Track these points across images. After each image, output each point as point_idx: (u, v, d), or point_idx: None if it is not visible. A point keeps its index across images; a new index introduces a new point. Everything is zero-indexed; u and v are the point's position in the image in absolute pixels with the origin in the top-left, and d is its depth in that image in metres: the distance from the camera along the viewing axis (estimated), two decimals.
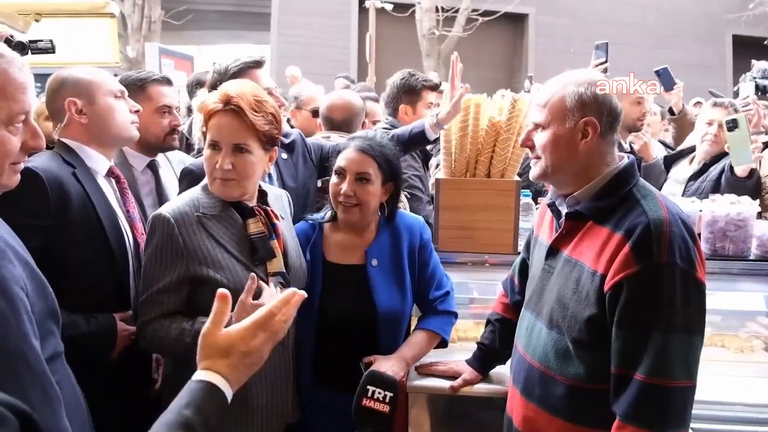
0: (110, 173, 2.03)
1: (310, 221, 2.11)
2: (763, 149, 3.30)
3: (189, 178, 2.11)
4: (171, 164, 2.52)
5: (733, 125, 2.88)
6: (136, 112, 2.08)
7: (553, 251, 1.64)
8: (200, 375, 1.12)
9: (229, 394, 1.12)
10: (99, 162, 1.99)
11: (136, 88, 2.31)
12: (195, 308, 1.78)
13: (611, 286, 1.42)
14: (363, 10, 13.10)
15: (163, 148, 2.40)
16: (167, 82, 2.40)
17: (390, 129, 3.20)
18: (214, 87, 2.19)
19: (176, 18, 12.98)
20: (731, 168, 3.03)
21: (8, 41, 2.56)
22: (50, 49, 2.72)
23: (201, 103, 1.77)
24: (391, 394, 1.73)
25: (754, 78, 3.67)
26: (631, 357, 1.41)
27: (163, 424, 1.03)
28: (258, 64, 2.34)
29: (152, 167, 2.41)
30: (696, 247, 1.44)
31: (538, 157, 1.61)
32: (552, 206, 1.68)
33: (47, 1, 3.61)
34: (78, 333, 1.78)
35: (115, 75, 2.34)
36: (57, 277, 1.71)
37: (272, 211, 1.90)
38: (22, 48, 2.59)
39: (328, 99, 3.31)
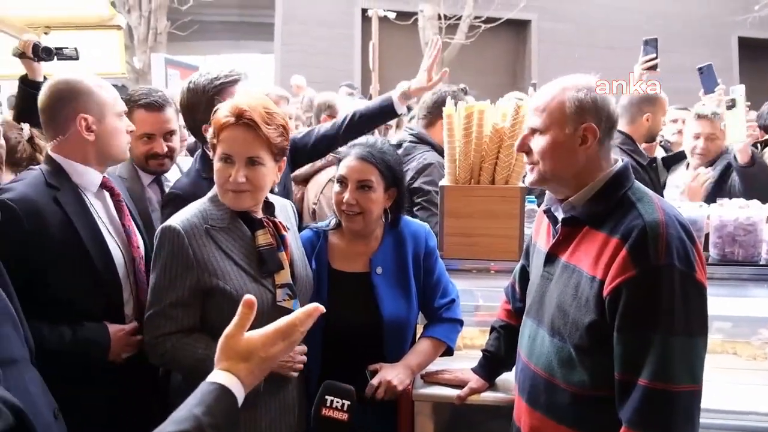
0: (103, 186, 1.99)
1: (314, 229, 2.10)
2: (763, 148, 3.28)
3: (174, 204, 2.07)
4: (181, 171, 2.54)
5: (731, 104, 2.92)
6: (129, 132, 2.04)
7: (550, 258, 1.63)
8: (217, 376, 1.13)
9: (241, 397, 1.14)
10: (91, 178, 1.94)
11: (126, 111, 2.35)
12: (203, 321, 1.79)
13: (610, 291, 1.42)
14: (366, 19, 13.14)
15: (147, 171, 2.44)
16: (156, 107, 2.38)
17: (417, 143, 3.21)
18: (187, 107, 2.19)
19: (182, 29, 13.06)
20: (735, 157, 3.06)
21: (35, 47, 2.62)
22: (75, 57, 2.78)
23: (213, 116, 1.76)
24: (349, 402, 1.74)
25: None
26: (633, 362, 1.40)
27: (173, 421, 1.04)
28: (235, 81, 2.24)
29: (158, 182, 2.45)
30: (695, 249, 1.43)
31: (534, 163, 1.59)
32: (548, 212, 1.67)
33: (56, 15, 3.65)
34: (65, 341, 1.78)
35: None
36: (45, 304, 1.75)
37: (280, 222, 1.90)
38: (48, 54, 2.65)
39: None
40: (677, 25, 14.56)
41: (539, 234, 1.78)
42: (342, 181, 1.98)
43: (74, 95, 1.88)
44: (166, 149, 2.41)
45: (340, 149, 2.25)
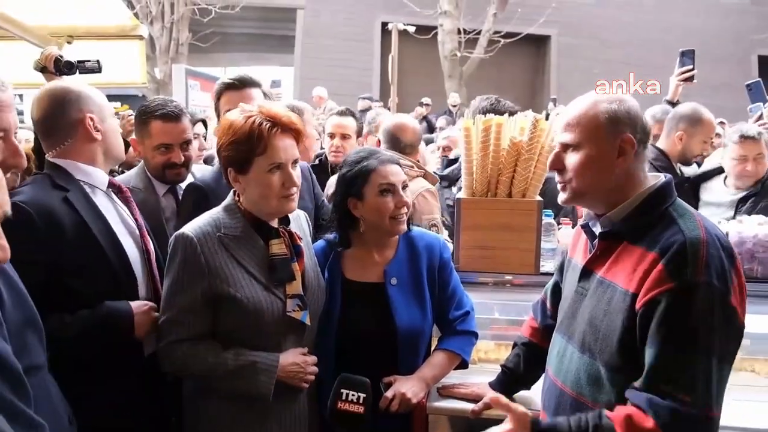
0: (110, 185, 2.01)
1: (326, 240, 2.11)
2: None
3: (195, 195, 2.16)
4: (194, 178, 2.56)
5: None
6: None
7: (586, 273, 1.60)
8: None
9: None
10: (100, 177, 1.97)
11: (141, 121, 2.42)
12: (214, 329, 1.81)
13: (643, 304, 1.38)
14: (386, 32, 13.23)
15: (165, 182, 2.46)
16: (172, 117, 2.40)
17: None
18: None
19: (203, 40, 13.25)
20: None
21: (57, 61, 2.63)
22: (97, 69, 2.79)
23: (252, 127, 1.76)
24: (364, 395, 1.76)
25: None
26: (665, 376, 1.34)
27: None
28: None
29: (173, 192, 2.48)
30: (734, 272, 1.38)
31: (567, 180, 1.55)
32: (585, 227, 1.64)
33: (79, 24, 3.72)
34: (90, 322, 1.78)
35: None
36: (62, 304, 1.75)
37: (296, 233, 1.91)
38: (70, 67, 2.66)
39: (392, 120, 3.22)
40: (697, 42, 14.43)
41: (576, 250, 1.74)
42: (389, 189, 1.96)
43: (77, 98, 1.90)
44: (182, 159, 2.44)
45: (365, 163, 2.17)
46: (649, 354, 1.37)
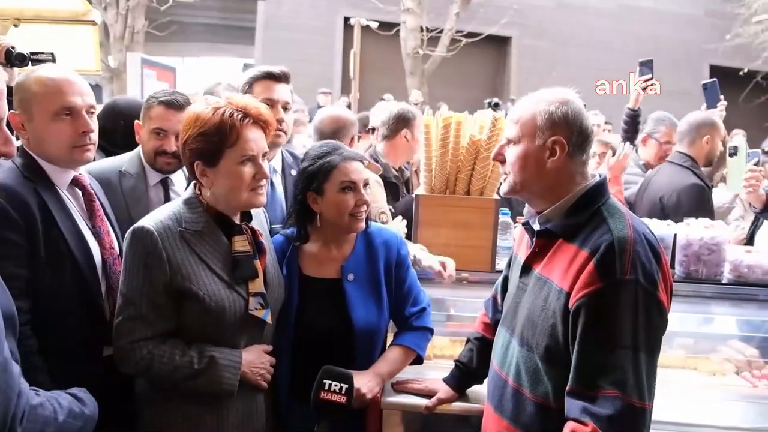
0: (75, 183, 1.93)
1: (283, 235, 2.09)
2: None
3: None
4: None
5: (734, 152, 2.93)
6: (82, 133, 1.89)
7: (526, 269, 1.66)
8: None
9: None
10: (58, 175, 1.88)
11: (147, 105, 2.38)
12: (179, 326, 1.75)
13: (573, 303, 1.44)
14: (348, 27, 13.17)
15: (155, 168, 2.39)
16: (175, 106, 2.35)
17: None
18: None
19: (160, 29, 12.92)
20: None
21: (8, 52, 2.52)
22: (50, 62, 2.64)
23: (224, 118, 1.73)
24: (347, 386, 1.79)
25: None
26: (594, 374, 1.39)
27: None
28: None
29: (164, 184, 2.41)
30: (661, 269, 1.45)
31: (506, 173, 1.63)
32: (526, 225, 1.70)
33: (27, 7, 3.56)
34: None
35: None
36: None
37: (258, 229, 1.88)
38: (22, 59, 2.55)
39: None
40: (651, 49, 14.82)
41: (520, 246, 1.80)
42: (350, 186, 1.95)
43: (14, 91, 1.82)
44: (175, 149, 2.36)
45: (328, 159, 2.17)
46: (576, 353, 1.43)
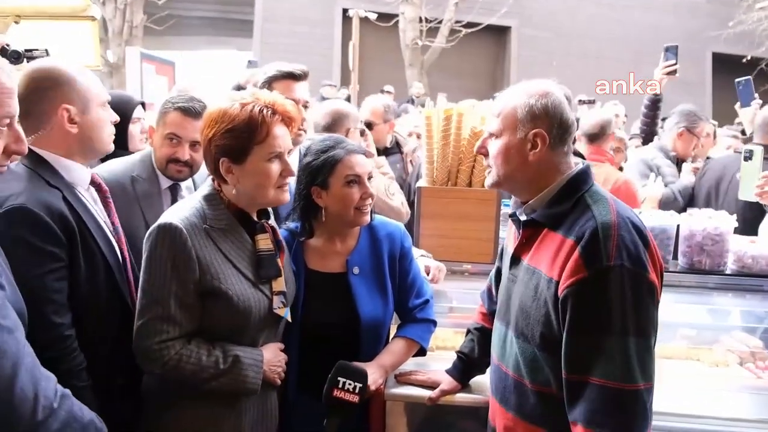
0: (92, 182, 1.90)
1: (287, 230, 2.09)
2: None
3: None
4: (195, 186, 2.45)
5: (749, 156, 2.83)
6: (116, 123, 1.93)
7: (515, 260, 1.67)
8: None
9: None
10: (80, 174, 1.82)
11: (163, 110, 2.35)
12: (202, 325, 1.72)
13: (562, 292, 1.45)
14: (346, 19, 13.12)
15: (165, 175, 2.37)
16: (192, 113, 2.31)
17: None
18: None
19: (158, 23, 12.89)
20: None
21: (3, 50, 2.51)
22: (45, 57, 2.65)
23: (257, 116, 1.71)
24: (360, 385, 1.79)
25: None
26: (584, 362, 1.41)
27: None
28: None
29: (173, 191, 2.40)
30: (648, 251, 1.45)
31: (490, 166, 1.64)
32: (513, 216, 1.71)
33: (27, 4, 3.56)
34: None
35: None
36: (75, 311, 1.71)
37: (276, 227, 1.88)
38: (17, 57, 2.54)
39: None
40: (652, 38, 14.84)
41: (509, 237, 1.81)
42: (355, 180, 1.94)
43: (54, 85, 1.74)
44: (188, 157, 2.34)
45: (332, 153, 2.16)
46: (565, 341, 1.45)
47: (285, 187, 1.77)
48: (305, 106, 2.37)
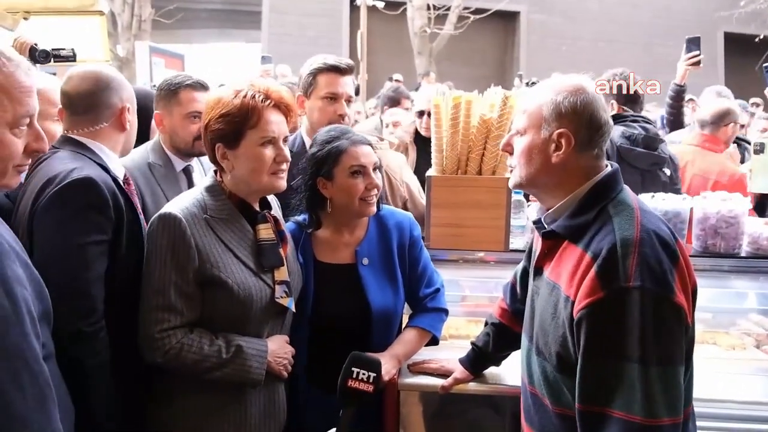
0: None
1: (295, 222, 2.09)
2: None
3: None
4: (203, 168, 2.52)
5: (760, 149, 2.81)
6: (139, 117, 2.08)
7: (537, 271, 1.56)
8: None
9: None
10: (119, 166, 1.94)
11: (169, 92, 2.36)
12: (203, 315, 1.74)
13: (577, 313, 1.33)
14: (354, 8, 13.08)
15: (191, 153, 2.42)
16: (201, 87, 2.37)
17: None
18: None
19: (166, 17, 12.93)
20: None
21: (33, 50, 2.58)
22: (71, 57, 2.78)
23: (245, 101, 1.73)
24: (375, 374, 1.79)
25: None
26: (601, 391, 1.29)
27: None
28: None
29: (186, 171, 2.45)
30: (677, 269, 1.33)
31: (514, 165, 1.53)
32: (537, 223, 1.57)
33: (36, 0, 3.58)
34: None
35: None
36: (113, 293, 1.75)
37: (279, 217, 1.88)
38: (45, 56, 2.63)
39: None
40: (663, 19, 14.64)
41: (536, 241, 1.66)
42: (360, 171, 1.93)
43: (119, 86, 1.92)
44: None
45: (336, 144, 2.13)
46: (580, 367, 1.32)
47: (280, 174, 1.77)
48: (348, 101, 2.36)
